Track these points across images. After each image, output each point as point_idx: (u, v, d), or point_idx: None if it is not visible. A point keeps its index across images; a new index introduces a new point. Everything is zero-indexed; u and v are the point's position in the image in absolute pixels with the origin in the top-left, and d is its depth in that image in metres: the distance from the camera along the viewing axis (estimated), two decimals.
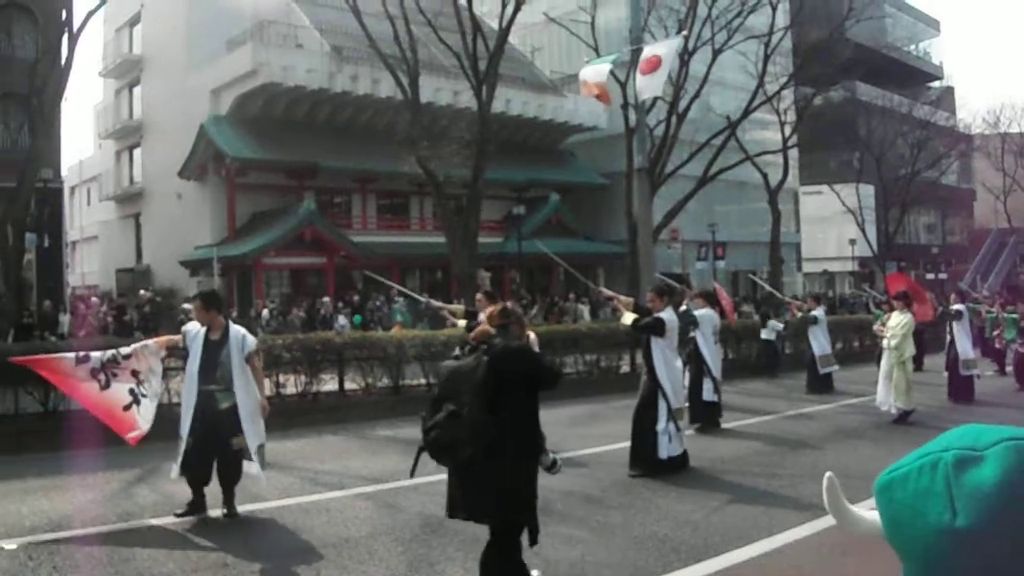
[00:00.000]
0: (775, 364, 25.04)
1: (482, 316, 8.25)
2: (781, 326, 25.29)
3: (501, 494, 5.85)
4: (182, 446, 8.99)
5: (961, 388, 19.10)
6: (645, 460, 11.22)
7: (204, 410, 8.98)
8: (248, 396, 9.07)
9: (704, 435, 14.48)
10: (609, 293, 13.62)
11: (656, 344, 11.49)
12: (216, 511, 9.03)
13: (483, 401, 5.76)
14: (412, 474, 6.10)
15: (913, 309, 17.26)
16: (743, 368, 23.97)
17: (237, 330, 9.30)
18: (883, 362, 16.58)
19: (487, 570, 6.16)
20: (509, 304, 8.04)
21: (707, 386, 15.23)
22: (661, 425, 11.27)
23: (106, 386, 9.23)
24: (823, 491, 1.62)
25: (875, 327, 18.85)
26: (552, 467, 7.09)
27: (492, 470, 5.77)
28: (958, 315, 19.63)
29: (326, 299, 34.60)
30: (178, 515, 8.93)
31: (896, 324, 16.33)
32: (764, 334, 25.15)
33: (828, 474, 1.63)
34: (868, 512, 1.54)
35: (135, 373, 9.35)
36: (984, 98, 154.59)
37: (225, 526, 8.78)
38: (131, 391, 9.28)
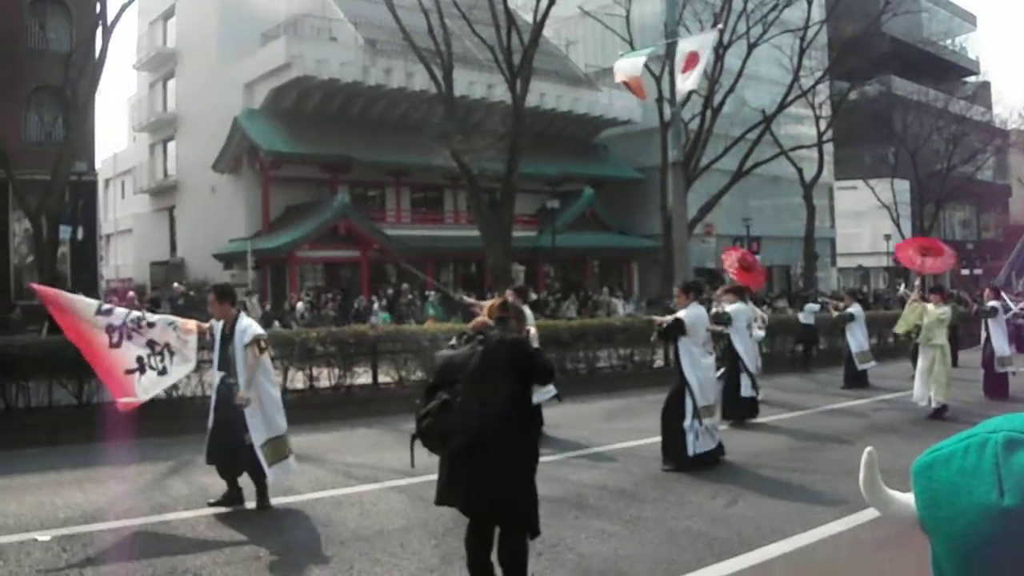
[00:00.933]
0: (811, 349, 25.41)
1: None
2: (817, 307, 26.01)
3: (493, 484, 5.83)
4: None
5: (996, 385, 18.97)
6: (675, 456, 11.21)
7: (223, 402, 9.08)
8: (255, 389, 9.03)
9: (738, 429, 14.39)
10: (659, 319, 13.29)
11: (682, 342, 11.46)
12: (250, 503, 9.07)
13: (476, 391, 5.75)
14: (412, 464, 6.07)
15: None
16: (779, 363, 23.84)
17: (242, 323, 9.25)
18: (920, 358, 16.48)
19: (506, 566, 6.13)
20: (510, 298, 8.05)
21: (744, 382, 15.12)
22: (687, 422, 11.23)
23: (116, 344, 9.16)
24: (861, 465, 1.62)
25: (907, 295, 18.75)
26: None
27: (484, 460, 5.76)
28: (993, 312, 19.48)
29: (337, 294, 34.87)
30: (211, 504, 8.99)
31: (933, 316, 16.22)
32: (802, 318, 25.69)
33: (869, 449, 1.64)
34: (902, 494, 1.55)
35: (151, 343, 9.28)
36: (1021, 93, 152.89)
37: (258, 518, 8.79)
38: (139, 358, 9.21)
